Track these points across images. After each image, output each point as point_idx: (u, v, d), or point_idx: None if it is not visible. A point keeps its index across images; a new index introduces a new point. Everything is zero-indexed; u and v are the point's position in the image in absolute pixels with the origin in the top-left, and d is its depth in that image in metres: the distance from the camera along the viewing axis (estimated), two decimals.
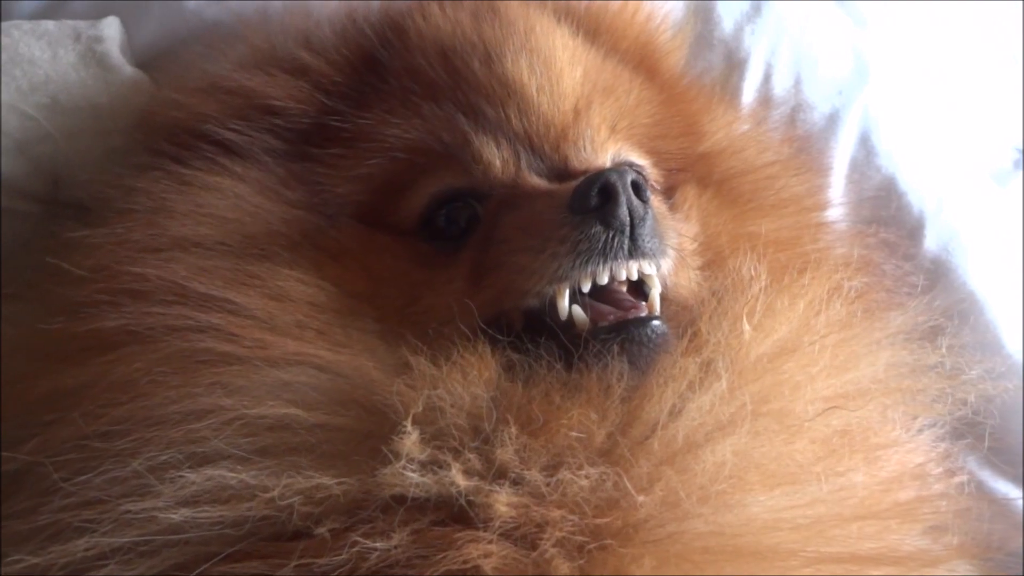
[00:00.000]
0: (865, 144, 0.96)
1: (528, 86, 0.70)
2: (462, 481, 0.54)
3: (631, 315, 0.60)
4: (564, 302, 0.60)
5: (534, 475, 0.54)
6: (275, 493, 0.53)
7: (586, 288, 0.60)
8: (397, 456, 0.54)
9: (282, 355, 0.59)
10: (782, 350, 0.62)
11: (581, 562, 0.52)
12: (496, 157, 0.68)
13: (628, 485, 0.53)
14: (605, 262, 0.60)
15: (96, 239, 0.66)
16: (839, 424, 0.62)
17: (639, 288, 0.63)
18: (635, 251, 0.62)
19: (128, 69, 0.78)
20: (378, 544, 0.51)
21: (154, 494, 0.54)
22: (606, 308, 0.61)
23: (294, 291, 0.62)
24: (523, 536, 0.53)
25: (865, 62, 1.00)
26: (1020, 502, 0.90)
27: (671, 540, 0.53)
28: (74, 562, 0.54)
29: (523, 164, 0.67)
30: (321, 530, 0.53)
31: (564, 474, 0.53)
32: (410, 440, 0.54)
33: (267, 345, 0.59)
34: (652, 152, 0.75)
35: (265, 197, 0.68)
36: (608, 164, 0.70)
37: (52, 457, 0.57)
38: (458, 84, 0.70)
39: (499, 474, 0.55)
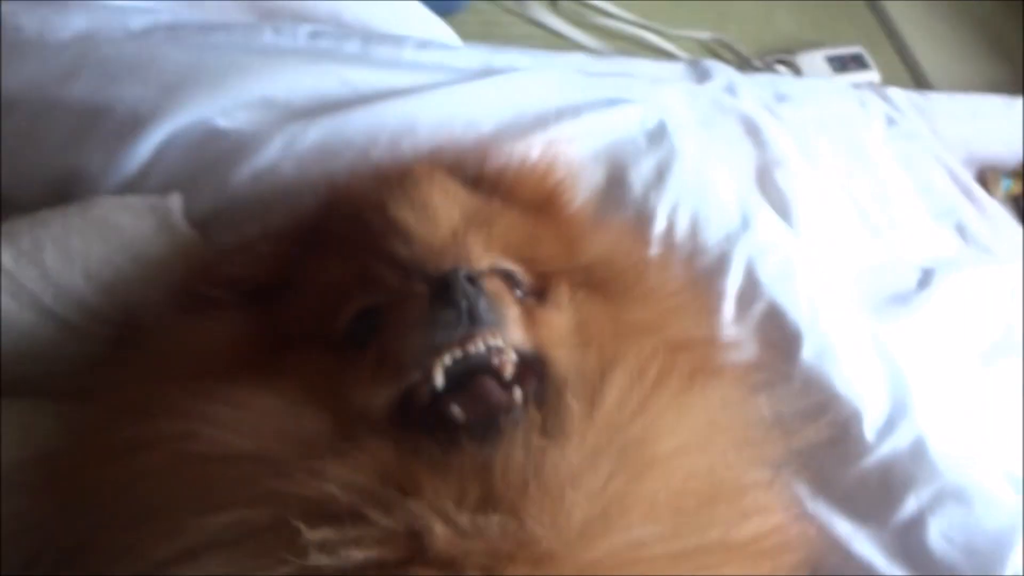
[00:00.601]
0: (749, 276, 1.21)
1: (408, 221, 0.89)
2: (358, 553, 0.65)
3: (495, 411, 0.77)
4: (439, 375, 0.78)
5: (460, 518, 0.69)
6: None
7: (448, 361, 0.78)
8: (306, 545, 0.66)
9: (238, 453, 0.73)
10: (630, 409, 0.79)
11: None
12: (392, 277, 0.86)
13: (527, 521, 0.68)
14: (452, 332, 0.78)
15: (130, 363, 0.89)
16: (688, 467, 0.75)
17: (521, 381, 0.80)
18: (475, 322, 0.78)
19: (188, 232, 1.05)
20: None
21: None
22: (479, 407, 0.78)
23: (250, 402, 0.79)
24: (454, 568, 0.66)
25: (749, 214, 1.27)
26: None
27: (568, 565, 0.68)
28: None
29: (412, 279, 0.85)
30: None
31: (477, 518, 0.69)
32: (311, 532, 0.66)
33: (229, 444, 0.75)
34: (525, 260, 0.94)
35: (233, 335, 0.89)
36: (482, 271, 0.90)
37: (88, 547, 0.74)
38: (364, 233, 0.90)
39: (414, 527, 0.68)
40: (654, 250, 1.19)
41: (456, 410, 0.78)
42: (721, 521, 0.74)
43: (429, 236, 0.89)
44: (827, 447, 1.10)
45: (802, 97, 1.75)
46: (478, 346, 0.80)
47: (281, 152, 1.12)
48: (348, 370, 0.83)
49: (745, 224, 1.26)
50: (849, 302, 1.29)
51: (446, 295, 0.79)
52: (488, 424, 0.76)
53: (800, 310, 1.21)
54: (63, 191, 1.13)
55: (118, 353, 0.94)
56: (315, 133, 1.14)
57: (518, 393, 0.80)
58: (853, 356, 1.20)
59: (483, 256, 0.91)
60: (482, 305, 0.80)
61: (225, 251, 1.01)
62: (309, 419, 0.79)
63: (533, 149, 1.13)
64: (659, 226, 1.22)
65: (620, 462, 0.75)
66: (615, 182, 1.24)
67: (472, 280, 0.81)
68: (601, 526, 0.71)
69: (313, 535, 0.68)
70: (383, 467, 0.73)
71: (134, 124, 1.10)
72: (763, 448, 0.89)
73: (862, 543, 1.10)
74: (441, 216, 0.92)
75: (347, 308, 0.88)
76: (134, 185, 1.12)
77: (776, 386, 1.16)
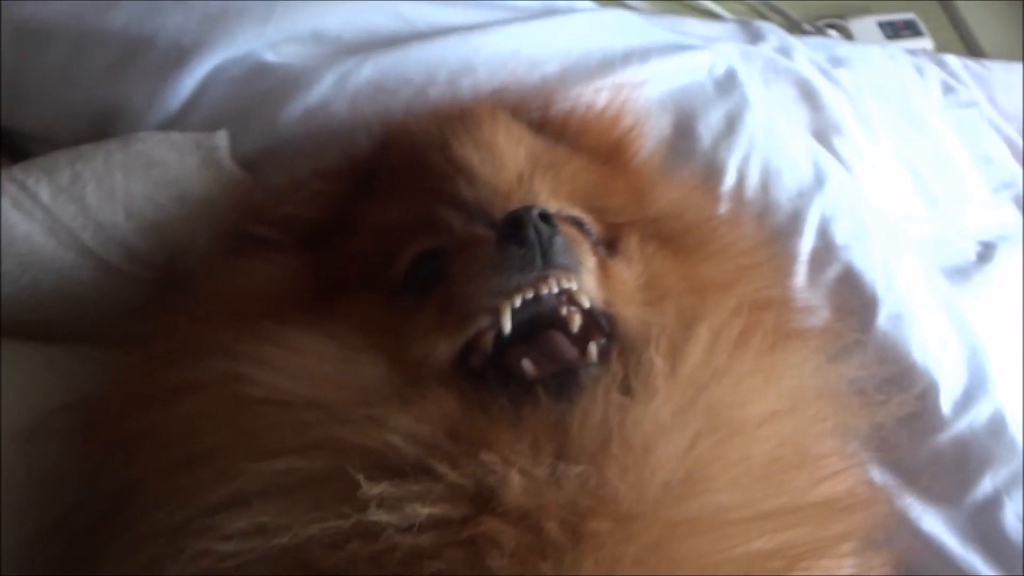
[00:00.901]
0: (824, 236, 1.14)
1: (473, 161, 0.85)
2: (423, 509, 0.62)
3: (569, 367, 0.72)
4: (507, 319, 0.73)
5: (537, 470, 0.65)
6: (301, 531, 0.62)
7: (518, 303, 0.73)
8: (366, 499, 0.62)
9: (293, 399, 0.70)
10: (715, 369, 0.74)
11: (581, 546, 0.62)
12: (455, 220, 0.82)
13: (609, 478, 0.64)
14: (524, 274, 0.72)
15: (178, 305, 0.85)
16: (775, 434, 0.73)
17: (586, 336, 0.75)
18: (549, 264, 0.73)
19: (237, 170, 0.99)
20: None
21: (214, 532, 0.63)
22: (550, 363, 0.73)
23: (305, 345, 0.75)
24: (529, 521, 0.62)
25: (823, 170, 1.19)
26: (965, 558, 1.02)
27: (652, 526, 0.64)
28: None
29: (477, 223, 0.81)
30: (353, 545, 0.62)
31: (556, 468, 0.65)
32: (371, 485, 0.63)
33: (284, 388, 0.72)
34: (594, 209, 0.89)
35: (286, 277, 0.85)
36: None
37: (132, 494, 0.70)
38: (424, 172, 0.87)
39: (481, 485, 0.64)
40: (725, 206, 1.12)
41: (528, 365, 0.73)
42: (798, 486, 0.71)
43: (494, 178, 0.85)
44: (900, 420, 1.03)
45: (858, 62, 1.67)
46: (551, 287, 0.74)
47: (333, 89, 1.05)
48: (407, 317, 0.79)
49: (819, 181, 1.18)
50: (923, 268, 1.22)
51: (518, 234, 0.73)
52: (563, 380, 0.71)
53: (876, 274, 1.13)
54: (103, 129, 1.06)
55: (163, 296, 0.89)
56: (369, 70, 1.07)
57: (593, 349, 0.74)
58: (930, 324, 1.13)
59: (550, 202, 0.86)
60: (557, 245, 0.74)
61: (277, 191, 0.95)
62: (366, 366, 0.74)
63: (600, 94, 1.06)
64: (729, 180, 1.15)
65: (706, 424, 0.70)
66: (682, 132, 1.16)
67: (546, 218, 0.75)
68: (685, 489, 0.66)
69: (373, 488, 0.63)
70: (448, 419, 0.69)
71: (177, 56, 1.04)
72: (842, 416, 0.83)
73: (933, 522, 1.04)
74: (507, 158, 0.87)
75: (406, 252, 0.84)
76: (177, 122, 1.06)
77: (850, 354, 1.10)
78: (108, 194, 0.93)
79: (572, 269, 0.75)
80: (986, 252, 1.41)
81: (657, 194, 0.98)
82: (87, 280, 0.93)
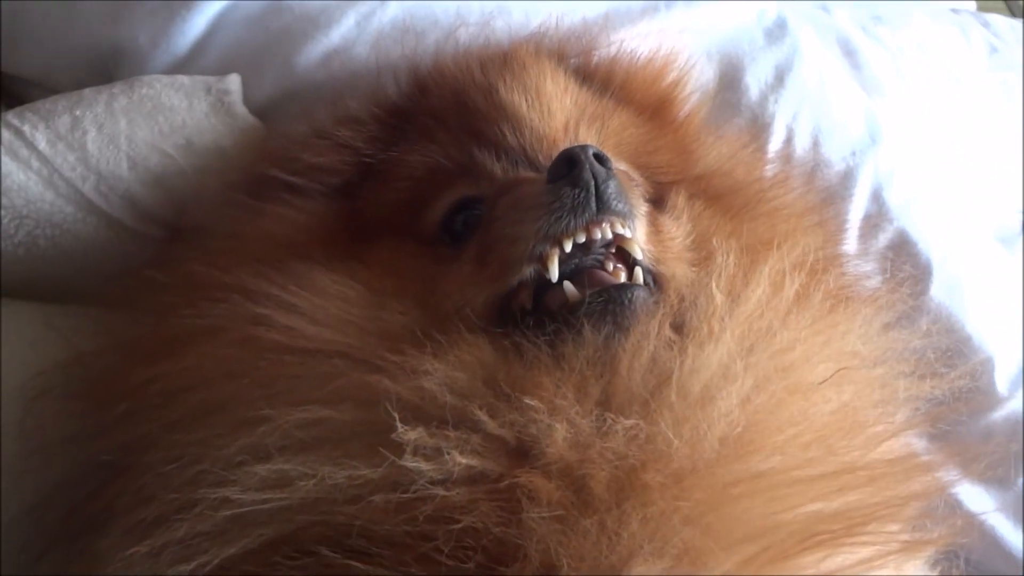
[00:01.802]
0: (877, 199, 1.05)
1: (520, 107, 0.80)
2: (461, 459, 0.57)
3: (615, 289, 0.66)
4: (554, 266, 0.66)
5: (582, 421, 0.59)
6: (327, 480, 0.58)
7: (568, 247, 0.66)
8: (403, 447, 0.58)
9: (317, 345, 0.66)
10: (776, 317, 0.68)
11: (628, 503, 0.56)
12: (496, 167, 0.77)
13: (661, 431, 0.58)
14: (576, 217, 0.66)
15: (187, 254, 0.77)
16: (839, 395, 0.66)
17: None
18: (603, 208, 0.67)
19: (250, 117, 0.91)
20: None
21: (231, 483, 0.59)
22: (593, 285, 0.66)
23: (330, 288, 0.70)
24: (572, 476, 0.57)
25: (877, 126, 1.09)
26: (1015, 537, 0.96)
27: (706, 484, 0.58)
28: (183, 542, 0.58)
29: (520, 170, 0.76)
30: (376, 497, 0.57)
31: (607, 418, 0.59)
32: (406, 431, 0.58)
33: (307, 334, 0.66)
34: (640, 166, 0.83)
35: (313, 223, 0.79)
36: None
37: (138, 451, 0.65)
38: (465, 115, 0.81)
39: (521, 436, 0.59)
40: (774, 165, 1.03)
41: (570, 288, 0.66)
42: (857, 448, 0.66)
43: (541, 125, 0.78)
44: (952, 396, 0.96)
45: (899, 20, 1.55)
46: (604, 232, 0.68)
47: (355, 30, 0.96)
48: (441, 266, 0.73)
49: (873, 139, 1.07)
50: (981, 235, 1.13)
51: (571, 173, 0.67)
52: (610, 301, 0.65)
53: (931, 241, 1.04)
54: (106, 73, 0.97)
55: (170, 253, 0.81)
56: (395, 9, 0.97)
57: (639, 272, 0.68)
58: (987, 296, 1.04)
59: None
60: (612, 188, 0.68)
61: (302, 138, 0.86)
62: (395, 313, 0.68)
63: (644, 40, 0.96)
64: (777, 136, 1.05)
65: (765, 375, 0.64)
66: (728, 84, 1.06)
67: (601, 159, 0.68)
68: (742, 446, 0.61)
69: (410, 434, 0.58)
70: (485, 366, 0.63)
71: None
72: (898, 385, 0.76)
73: (983, 504, 0.97)
74: (554, 105, 0.80)
75: (442, 199, 0.78)
76: (186, 66, 0.97)
77: (904, 323, 1.02)
78: (110, 142, 0.85)
79: (627, 216, 0.69)
80: None
81: (704, 151, 0.90)
82: (88, 236, 0.85)
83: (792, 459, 0.62)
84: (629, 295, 0.65)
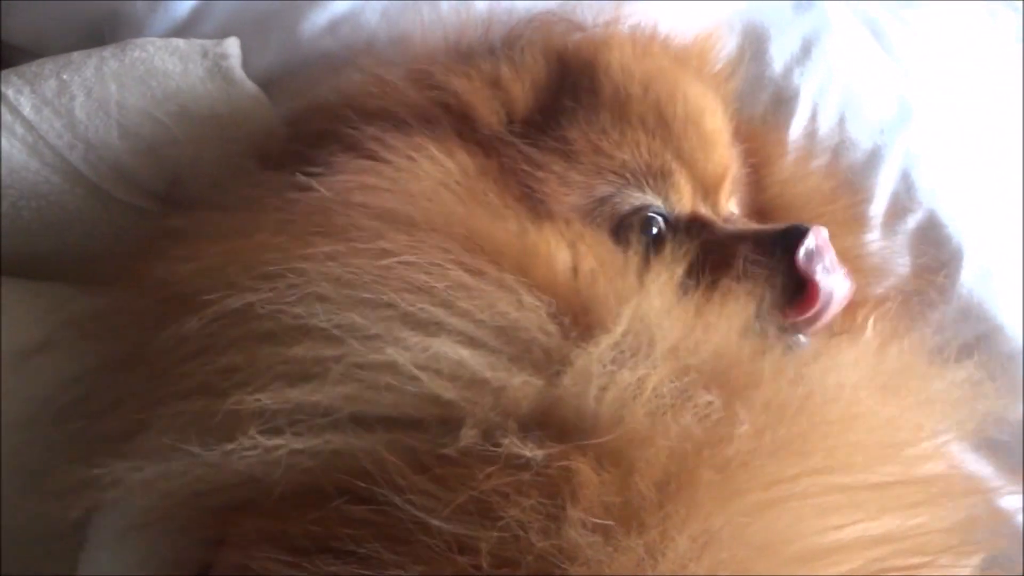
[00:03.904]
0: (906, 180, 0.96)
1: (717, 140, 0.78)
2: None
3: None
4: None
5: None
6: (494, 384, 0.53)
7: None
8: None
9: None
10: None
11: (670, 506, 0.50)
12: (686, 191, 0.75)
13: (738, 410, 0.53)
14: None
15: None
16: (883, 409, 0.62)
17: None
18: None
19: (248, 84, 0.82)
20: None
21: (399, 346, 0.54)
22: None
23: (543, 249, 0.65)
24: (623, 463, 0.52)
25: (908, 105, 1.00)
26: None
27: (757, 481, 0.52)
28: (294, 410, 0.53)
29: (698, 201, 0.76)
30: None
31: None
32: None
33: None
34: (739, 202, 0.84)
35: (482, 179, 0.71)
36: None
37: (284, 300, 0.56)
38: (661, 119, 0.76)
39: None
40: (795, 141, 0.96)
41: None
42: (905, 460, 0.62)
43: (718, 163, 0.78)
44: (985, 383, 0.88)
45: (926, 3, 1.49)
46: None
47: None
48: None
49: (904, 116, 0.98)
50: (1014, 223, 1.05)
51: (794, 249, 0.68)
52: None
53: (962, 225, 0.95)
54: (101, 40, 0.88)
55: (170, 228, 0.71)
56: None
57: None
58: (1018, 285, 0.98)
59: (731, 197, 0.83)
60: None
61: (359, 85, 0.78)
62: None
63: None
64: (802, 112, 0.96)
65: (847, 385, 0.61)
66: (752, 56, 0.97)
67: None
68: (793, 442, 0.55)
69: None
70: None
71: None
72: (937, 398, 0.69)
73: (1011, 498, 0.90)
74: (721, 137, 0.80)
75: (625, 198, 0.74)
76: (185, 32, 0.88)
77: (930, 311, 0.95)
78: (100, 108, 0.77)
79: None
80: None
81: (769, 179, 0.88)
82: (76, 208, 0.77)
83: (842, 461, 0.57)
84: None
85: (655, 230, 0.74)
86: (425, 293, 0.56)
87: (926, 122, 1.00)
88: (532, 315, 0.57)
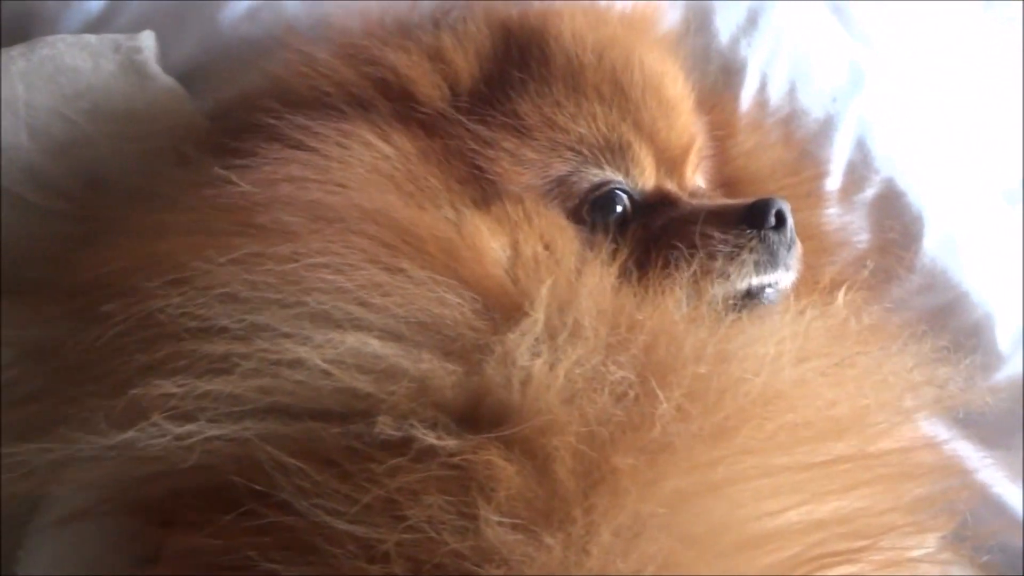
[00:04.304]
0: (861, 148, 0.93)
1: (680, 108, 0.75)
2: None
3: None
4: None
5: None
6: (412, 373, 0.51)
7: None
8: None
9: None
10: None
11: (595, 496, 0.48)
12: (648, 164, 0.73)
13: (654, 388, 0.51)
14: (775, 270, 0.69)
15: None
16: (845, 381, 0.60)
17: None
18: (785, 264, 0.70)
19: (164, 78, 0.79)
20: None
21: (308, 343, 0.53)
22: None
23: (476, 240, 0.62)
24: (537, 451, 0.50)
25: (860, 71, 0.96)
26: (1016, 498, 0.89)
27: (684, 463, 0.50)
28: (205, 398, 0.52)
29: (662, 175, 0.73)
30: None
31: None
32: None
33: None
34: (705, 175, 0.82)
35: (421, 163, 0.68)
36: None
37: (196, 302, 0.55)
38: (618, 88, 0.73)
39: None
40: (744, 112, 0.92)
41: None
42: (854, 436, 0.59)
43: (682, 132, 0.77)
44: (950, 357, 0.85)
45: None
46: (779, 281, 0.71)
47: None
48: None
49: (856, 82, 0.95)
50: (980, 190, 1.02)
51: (778, 229, 0.69)
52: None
53: (922, 193, 0.92)
54: (15, 41, 0.88)
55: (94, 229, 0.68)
56: None
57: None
58: (985, 249, 0.93)
59: (696, 169, 0.81)
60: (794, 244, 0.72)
61: (287, 67, 0.74)
62: None
63: None
64: (750, 83, 0.93)
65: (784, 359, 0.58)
66: (697, 28, 0.94)
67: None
68: (725, 422, 0.53)
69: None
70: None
71: None
72: (895, 369, 0.67)
73: (987, 469, 0.87)
74: (683, 106, 0.78)
75: (585, 174, 0.72)
76: (101, 26, 0.85)
77: (893, 281, 0.92)
78: (7, 109, 0.72)
79: (789, 269, 0.71)
80: None
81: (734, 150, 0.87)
82: None
83: (781, 439, 0.54)
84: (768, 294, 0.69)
85: (619, 208, 0.71)
86: (338, 292, 0.55)
87: (879, 87, 0.97)
88: (455, 312, 0.55)
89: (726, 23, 0.95)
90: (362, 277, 0.55)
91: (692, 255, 0.66)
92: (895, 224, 0.93)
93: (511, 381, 0.51)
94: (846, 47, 0.99)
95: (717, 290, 0.67)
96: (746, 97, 0.94)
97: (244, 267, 0.55)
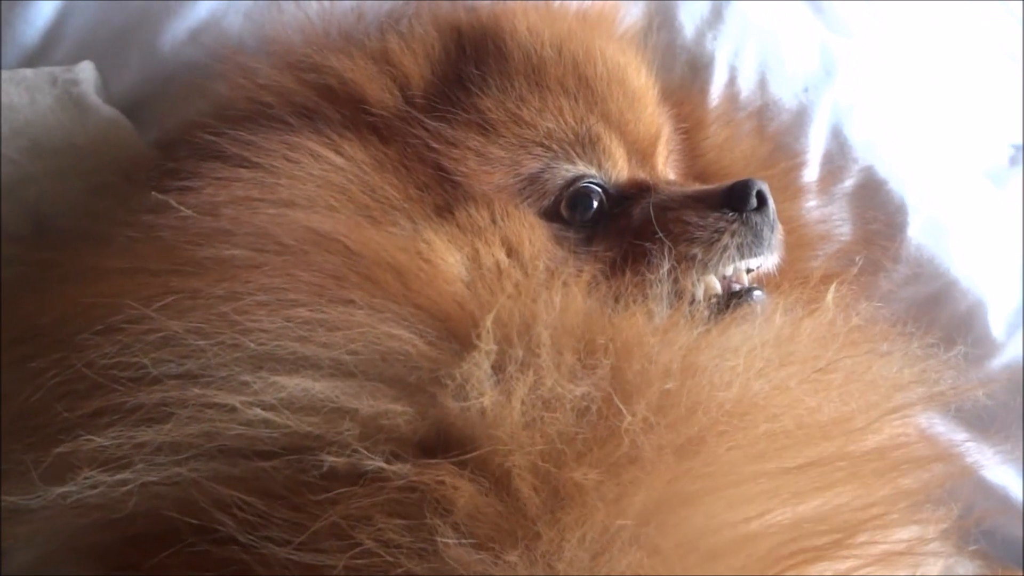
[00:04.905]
0: (837, 137, 0.91)
1: (646, 99, 0.73)
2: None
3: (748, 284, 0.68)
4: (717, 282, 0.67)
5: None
6: (363, 413, 0.49)
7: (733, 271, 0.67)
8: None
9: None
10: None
11: (561, 513, 0.47)
12: (620, 156, 0.70)
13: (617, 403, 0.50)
14: (761, 252, 0.68)
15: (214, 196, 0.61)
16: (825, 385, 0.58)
17: None
18: (769, 245, 0.68)
19: (105, 109, 0.76)
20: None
21: (245, 390, 0.51)
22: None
23: (432, 256, 0.60)
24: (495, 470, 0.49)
25: (832, 58, 0.93)
26: (1017, 487, 0.86)
27: (652, 476, 0.48)
28: (141, 448, 0.51)
29: (635, 166, 0.71)
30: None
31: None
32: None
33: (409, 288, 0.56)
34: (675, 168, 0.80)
35: (376, 172, 0.66)
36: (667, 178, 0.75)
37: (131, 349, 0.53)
38: (582, 80, 0.71)
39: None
40: (714, 106, 0.89)
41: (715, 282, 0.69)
42: (831, 438, 0.57)
43: (650, 122, 0.75)
44: (943, 346, 0.83)
45: None
46: (764, 264, 0.71)
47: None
48: (562, 251, 0.67)
49: (829, 71, 0.92)
50: (964, 172, 0.99)
51: (760, 211, 0.68)
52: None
53: (904, 179, 0.89)
54: None
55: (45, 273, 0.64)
56: None
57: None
58: (973, 233, 0.89)
59: (666, 161, 0.79)
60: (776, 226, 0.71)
61: (228, 83, 0.72)
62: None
63: None
64: (719, 77, 0.90)
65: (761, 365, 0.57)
66: (660, 23, 0.91)
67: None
68: (695, 433, 0.52)
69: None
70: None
71: None
72: (882, 365, 0.65)
73: (985, 459, 0.84)
74: (649, 99, 0.76)
75: (556, 170, 0.70)
76: (40, 58, 0.81)
77: (879, 273, 0.89)
78: None
79: (773, 250, 0.70)
80: (1018, 155, 1.15)
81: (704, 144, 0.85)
82: None
83: (757, 448, 0.52)
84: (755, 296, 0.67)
85: (595, 203, 0.69)
86: (280, 331, 0.52)
87: (853, 74, 0.94)
88: (406, 345, 0.53)
89: (690, 17, 0.92)
90: (306, 314, 0.52)
91: (670, 250, 0.65)
92: (878, 214, 0.90)
93: (468, 413, 0.49)
94: (816, 34, 0.96)
95: (699, 290, 0.66)
96: (715, 92, 0.91)
97: (179, 311, 0.52)
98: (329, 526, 0.46)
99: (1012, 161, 1.18)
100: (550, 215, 0.68)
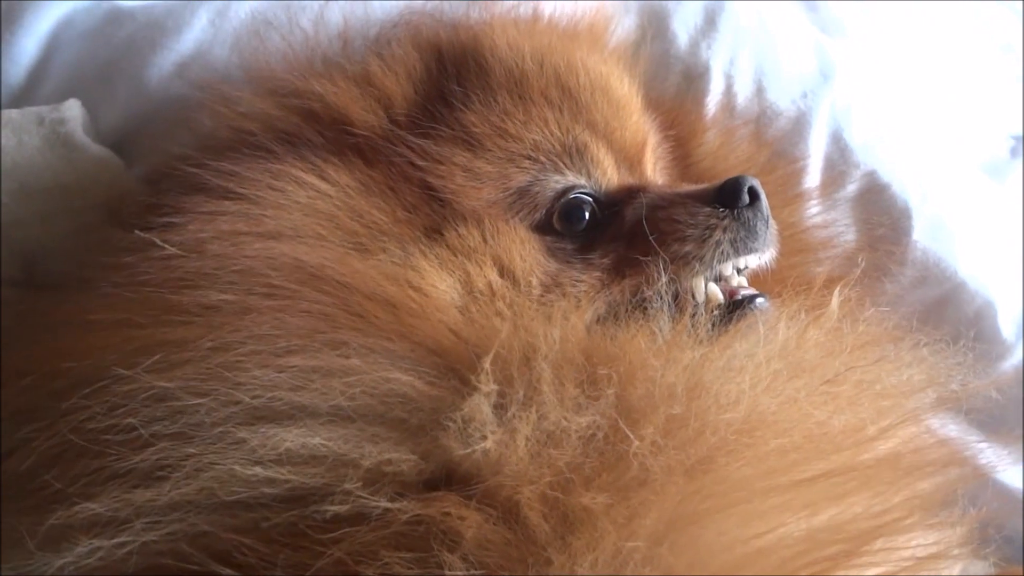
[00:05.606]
0: (837, 142, 0.89)
1: (630, 107, 0.73)
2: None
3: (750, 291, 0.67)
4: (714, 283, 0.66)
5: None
6: (366, 463, 0.49)
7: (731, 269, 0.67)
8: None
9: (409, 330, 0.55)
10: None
11: (572, 538, 0.46)
12: (609, 164, 0.70)
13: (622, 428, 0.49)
14: (756, 248, 0.67)
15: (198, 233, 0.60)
16: (830, 396, 0.57)
17: None
18: (765, 241, 0.68)
19: (93, 147, 0.74)
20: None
21: (243, 446, 0.49)
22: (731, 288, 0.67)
23: (423, 284, 0.59)
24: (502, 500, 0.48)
25: (829, 61, 0.92)
26: (1018, 484, 0.83)
27: (664, 496, 0.48)
28: (140, 511, 0.49)
29: (622, 173, 0.70)
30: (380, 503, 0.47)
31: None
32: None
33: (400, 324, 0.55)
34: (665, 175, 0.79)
35: (362, 196, 0.65)
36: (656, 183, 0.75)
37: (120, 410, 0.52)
38: (566, 91, 0.71)
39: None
40: (714, 117, 0.88)
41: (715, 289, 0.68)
42: (841, 449, 0.56)
43: (636, 128, 0.75)
44: (952, 348, 0.81)
45: None
46: (761, 260, 0.71)
47: (210, 31, 0.80)
48: (558, 264, 0.66)
49: (826, 75, 0.91)
50: (964, 168, 0.98)
51: (753, 206, 0.68)
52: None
53: (906, 182, 0.87)
54: None
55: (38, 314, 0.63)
56: (253, 3, 0.81)
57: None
58: (978, 234, 0.88)
59: (655, 167, 0.79)
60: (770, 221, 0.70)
61: (208, 113, 0.72)
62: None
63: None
64: (715, 87, 0.88)
65: (768, 379, 0.57)
66: (654, 34, 0.89)
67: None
68: (704, 452, 0.51)
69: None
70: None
71: (6, 10, 0.78)
72: (892, 368, 0.64)
73: (998, 461, 0.83)
74: (634, 106, 0.76)
75: (546, 182, 0.69)
76: (27, 97, 0.80)
77: (885, 277, 0.88)
78: None
79: (770, 245, 0.70)
80: (1018, 147, 1.15)
81: (697, 152, 0.85)
82: None
83: (768, 463, 0.52)
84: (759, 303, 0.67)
85: (587, 213, 0.69)
86: (274, 382, 0.51)
87: (850, 79, 0.93)
88: (404, 387, 0.52)
89: (684, 26, 0.91)
90: (300, 362, 0.50)
91: (666, 263, 0.65)
92: (883, 219, 0.88)
93: (473, 454, 0.48)
94: (812, 38, 0.94)
95: (699, 291, 0.65)
96: (712, 101, 0.89)
97: (168, 366, 0.50)
98: (334, 562, 0.46)
99: (1013, 152, 1.17)
100: (543, 228, 0.68)
